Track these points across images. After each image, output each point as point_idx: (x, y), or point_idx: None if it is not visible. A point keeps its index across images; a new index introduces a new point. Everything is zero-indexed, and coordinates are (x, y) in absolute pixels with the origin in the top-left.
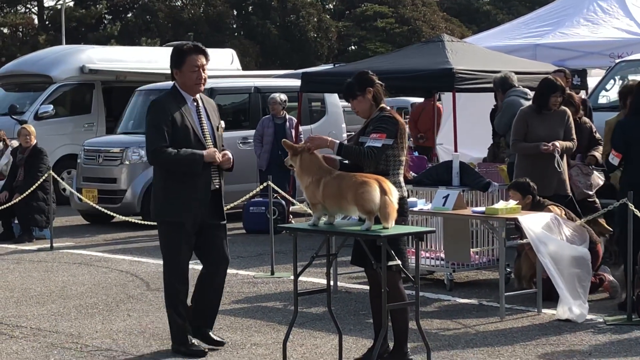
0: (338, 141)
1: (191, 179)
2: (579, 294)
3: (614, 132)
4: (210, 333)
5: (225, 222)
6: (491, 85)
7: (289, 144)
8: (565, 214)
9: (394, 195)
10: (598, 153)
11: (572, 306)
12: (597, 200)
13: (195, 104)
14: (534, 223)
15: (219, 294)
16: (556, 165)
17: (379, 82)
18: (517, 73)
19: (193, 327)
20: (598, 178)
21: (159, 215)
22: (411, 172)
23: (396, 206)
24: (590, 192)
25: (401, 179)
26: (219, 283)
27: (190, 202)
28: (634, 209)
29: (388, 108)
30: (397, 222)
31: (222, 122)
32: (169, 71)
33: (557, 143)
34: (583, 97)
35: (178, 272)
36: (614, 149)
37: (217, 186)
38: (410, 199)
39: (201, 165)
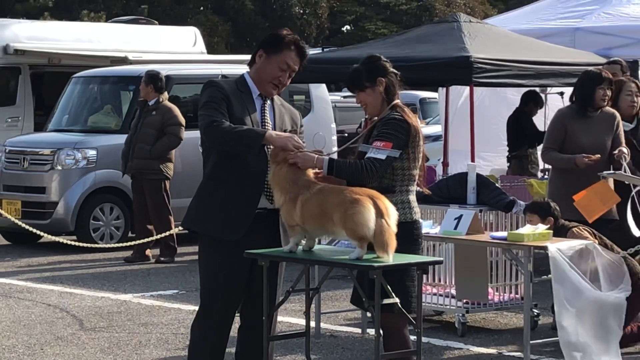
0: (327, 157)
1: (235, 186)
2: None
3: None
4: None
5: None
6: (515, 80)
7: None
8: (599, 241)
9: (392, 217)
10: None
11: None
12: None
13: (261, 99)
14: (563, 250)
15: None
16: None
17: (394, 70)
18: (551, 64)
19: None
20: None
21: (184, 223)
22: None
23: (394, 231)
24: None
25: (412, 197)
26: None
27: (228, 214)
28: None
29: (402, 106)
30: (407, 252)
31: (301, 130)
32: (114, 54)
33: (624, 149)
34: None
35: (210, 308)
36: None
37: (271, 205)
38: None
39: (258, 144)
